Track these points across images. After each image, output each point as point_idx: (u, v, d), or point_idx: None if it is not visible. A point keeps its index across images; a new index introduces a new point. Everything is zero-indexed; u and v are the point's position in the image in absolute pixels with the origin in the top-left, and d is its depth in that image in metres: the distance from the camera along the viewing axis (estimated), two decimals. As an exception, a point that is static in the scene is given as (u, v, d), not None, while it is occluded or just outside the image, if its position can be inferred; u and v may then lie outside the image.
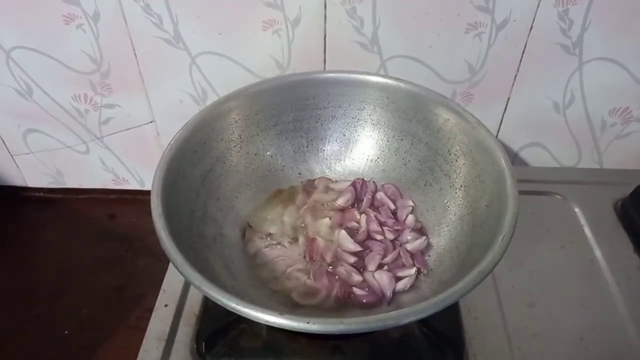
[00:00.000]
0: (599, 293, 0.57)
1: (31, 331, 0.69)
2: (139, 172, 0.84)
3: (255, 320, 0.37)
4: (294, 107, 0.60)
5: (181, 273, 0.40)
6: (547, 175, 0.72)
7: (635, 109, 0.71)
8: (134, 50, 0.68)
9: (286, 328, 0.37)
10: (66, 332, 0.68)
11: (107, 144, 0.80)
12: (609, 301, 0.56)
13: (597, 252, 0.60)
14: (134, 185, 0.86)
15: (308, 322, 0.37)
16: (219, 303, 0.38)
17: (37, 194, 0.87)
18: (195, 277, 0.39)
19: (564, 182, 0.70)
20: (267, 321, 0.37)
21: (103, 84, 0.72)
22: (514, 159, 0.78)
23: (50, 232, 0.82)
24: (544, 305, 0.55)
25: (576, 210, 0.66)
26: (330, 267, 0.52)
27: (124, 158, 0.82)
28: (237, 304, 0.38)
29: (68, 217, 0.84)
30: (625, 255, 0.60)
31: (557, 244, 0.61)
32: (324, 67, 0.69)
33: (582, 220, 0.64)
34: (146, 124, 0.77)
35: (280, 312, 0.37)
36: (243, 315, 0.37)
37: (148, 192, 0.85)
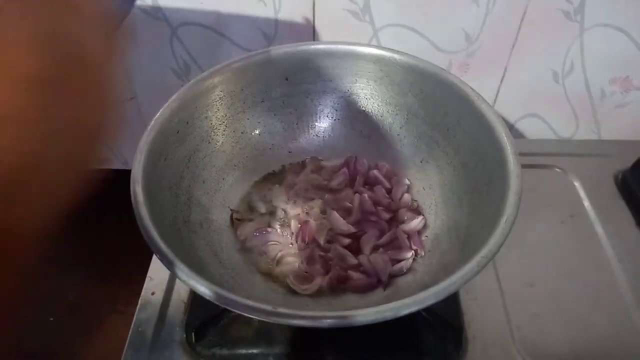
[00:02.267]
0: (599, 269, 0.55)
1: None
2: (122, 151, 0.81)
3: (246, 315, 0.35)
4: (282, 82, 0.56)
5: (166, 266, 0.38)
6: (545, 147, 0.70)
7: (635, 77, 0.69)
8: (110, 22, 0.64)
9: (281, 323, 0.35)
10: (51, 318, 0.66)
11: (87, 122, 0.76)
12: (610, 278, 0.55)
13: (598, 227, 0.59)
14: (117, 165, 0.83)
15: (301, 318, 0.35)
16: (207, 297, 0.36)
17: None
18: (181, 268, 0.37)
19: (563, 155, 0.67)
20: (261, 317, 0.35)
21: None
22: (511, 130, 0.75)
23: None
24: (543, 283, 0.54)
25: (576, 183, 0.64)
26: (322, 252, 0.50)
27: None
28: (230, 305, 0.35)
29: (48, 199, 0.81)
30: (626, 229, 0.59)
31: (557, 219, 0.60)
32: (313, 38, 0.66)
33: (582, 194, 0.62)
34: (127, 100, 0.73)
35: (273, 306, 0.35)
36: (235, 311, 0.35)
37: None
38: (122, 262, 0.72)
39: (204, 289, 0.36)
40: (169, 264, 0.37)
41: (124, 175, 0.81)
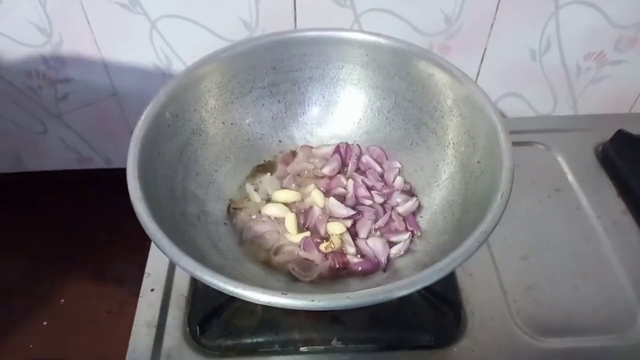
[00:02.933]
0: (587, 240, 0.57)
1: (7, 324, 0.65)
2: (104, 150, 0.80)
3: (257, 302, 0.35)
4: (269, 71, 0.56)
5: (171, 259, 0.37)
6: (526, 125, 0.71)
7: (609, 52, 0.71)
8: (87, 17, 0.62)
9: (291, 308, 0.35)
10: (45, 322, 0.65)
11: (67, 121, 0.75)
12: (597, 247, 0.57)
13: (583, 199, 0.61)
14: (99, 164, 0.81)
15: (313, 300, 0.35)
16: (216, 287, 0.36)
17: (-5, 180, 0.81)
18: (187, 262, 0.37)
19: (544, 131, 0.69)
20: (269, 302, 0.35)
21: (55, 57, 0.66)
22: (492, 110, 0.77)
23: (15, 221, 0.77)
24: (536, 256, 0.55)
25: (559, 158, 0.66)
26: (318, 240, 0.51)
27: (86, 135, 0.77)
28: (236, 287, 0.35)
29: (31, 203, 0.79)
30: (609, 200, 0.61)
31: (544, 194, 0.61)
32: (295, 26, 0.65)
33: (566, 168, 0.64)
34: (107, 97, 0.72)
35: (282, 291, 0.35)
36: (244, 298, 0.35)
37: (115, 170, 0.82)
38: (114, 262, 0.71)
39: (210, 279, 0.36)
40: (176, 258, 0.37)
41: (106, 174, 0.80)
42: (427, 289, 0.50)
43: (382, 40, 0.54)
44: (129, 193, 0.41)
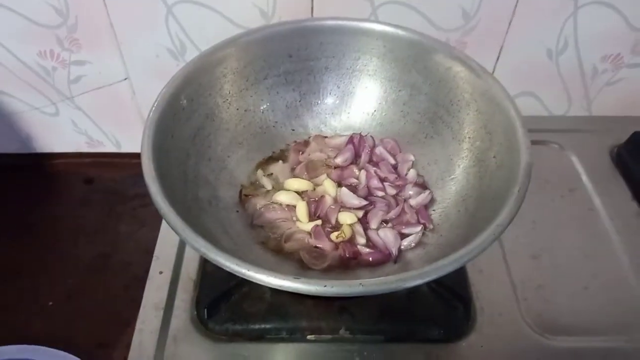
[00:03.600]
0: (599, 242, 0.57)
1: (15, 304, 0.65)
2: (115, 134, 0.79)
3: (269, 286, 0.35)
4: (285, 59, 0.56)
5: (184, 239, 0.37)
6: (541, 124, 0.71)
7: (626, 54, 0.70)
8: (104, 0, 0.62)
9: (303, 292, 0.35)
10: (50, 303, 0.65)
11: (79, 104, 0.74)
12: (609, 249, 0.56)
13: (596, 201, 0.60)
14: (109, 148, 0.81)
15: (325, 286, 0.35)
16: (228, 269, 0.36)
17: (5, 161, 0.81)
18: (200, 243, 0.37)
19: (559, 131, 0.69)
20: (281, 286, 0.35)
21: (71, 39, 0.66)
22: (506, 109, 0.76)
23: (23, 202, 0.77)
24: (547, 255, 0.55)
25: (573, 158, 0.65)
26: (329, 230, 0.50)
27: (97, 119, 0.77)
28: (249, 270, 0.35)
29: (41, 184, 0.79)
30: (623, 202, 0.60)
31: (557, 194, 0.61)
32: (311, 15, 0.65)
33: (580, 169, 0.64)
34: (120, 81, 0.72)
35: (295, 275, 0.35)
36: (255, 281, 0.35)
37: (125, 155, 0.82)
38: (118, 246, 0.71)
39: (223, 260, 0.36)
40: (189, 239, 0.37)
41: (117, 158, 0.80)
42: (438, 282, 0.50)
43: (400, 32, 0.54)
44: (143, 173, 0.41)
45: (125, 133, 0.79)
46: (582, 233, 0.57)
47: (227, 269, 0.36)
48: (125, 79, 0.72)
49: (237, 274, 0.36)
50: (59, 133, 0.78)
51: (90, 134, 0.79)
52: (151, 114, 0.45)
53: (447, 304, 0.50)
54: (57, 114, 0.75)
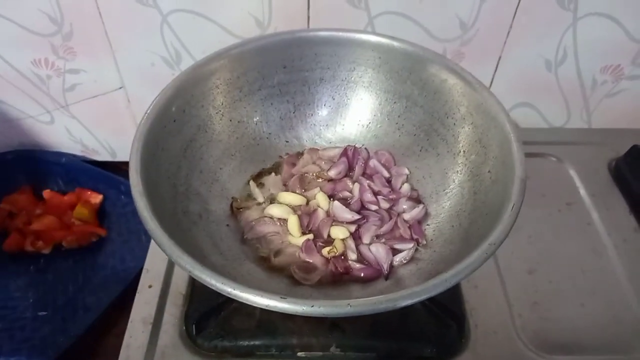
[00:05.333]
0: (597, 257, 0.56)
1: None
2: (110, 142, 0.79)
3: (255, 305, 0.34)
4: (279, 70, 0.55)
5: (170, 257, 0.37)
6: (539, 136, 0.70)
7: (626, 66, 0.69)
8: (98, 8, 0.62)
9: (290, 312, 0.34)
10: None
11: (74, 112, 0.74)
12: (607, 265, 0.55)
13: (594, 215, 0.59)
14: (104, 157, 0.81)
15: (313, 306, 0.34)
16: (214, 288, 0.35)
17: None
18: (186, 260, 0.36)
19: (557, 144, 0.68)
20: (268, 306, 0.34)
21: (65, 47, 0.66)
22: (504, 120, 0.76)
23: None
24: (543, 271, 0.54)
25: (571, 171, 0.64)
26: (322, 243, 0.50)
27: (92, 127, 0.76)
28: (234, 289, 0.34)
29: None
30: (621, 217, 0.60)
31: (554, 208, 0.60)
32: (308, 26, 0.64)
33: (578, 182, 0.63)
34: (115, 90, 0.71)
35: (282, 295, 0.34)
36: (241, 300, 0.34)
37: (120, 164, 0.81)
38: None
39: (208, 279, 0.35)
40: (175, 256, 0.36)
41: (111, 167, 0.80)
42: (431, 299, 0.49)
43: (395, 44, 0.53)
44: (131, 187, 0.41)
45: (121, 142, 0.79)
46: (580, 248, 0.56)
47: (213, 287, 0.35)
48: (121, 87, 0.71)
49: (223, 293, 0.35)
50: (54, 141, 0.78)
51: (85, 142, 0.78)
52: (141, 126, 0.45)
53: (440, 321, 0.49)
54: (52, 122, 0.75)
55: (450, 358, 0.48)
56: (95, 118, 0.75)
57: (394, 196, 0.53)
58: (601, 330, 0.50)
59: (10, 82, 0.69)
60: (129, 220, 0.74)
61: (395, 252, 0.49)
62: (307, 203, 0.53)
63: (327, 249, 0.48)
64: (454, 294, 0.51)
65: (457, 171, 0.51)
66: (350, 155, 0.56)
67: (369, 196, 0.53)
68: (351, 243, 0.49)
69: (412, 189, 0.54)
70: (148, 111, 0.46)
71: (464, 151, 0.51)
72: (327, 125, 0.58)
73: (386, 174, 0.55)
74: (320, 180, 0.55)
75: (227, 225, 0.50)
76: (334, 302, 0.35)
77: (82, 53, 0.67)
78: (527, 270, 0.54)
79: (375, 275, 0.48)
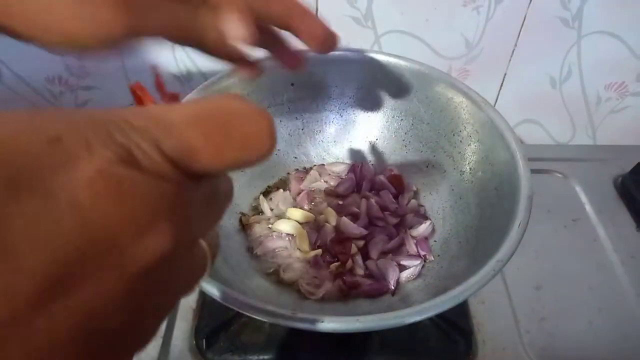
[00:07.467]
0: (604, 273, 0.56)
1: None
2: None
3: (264, 320, 0.35)
4: (288, 87, 0.56)
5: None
6: (545, 152, 0.71)
7: (631, 83, 0.70)
8: (112, 27, 0.63)
9: (298, 328, 0.34)
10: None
11: (85, 128, 0.75)
12: (614, 281, 0.55)
13: (600, 231, 0.60)
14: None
15: (323, 322, 0.34)
16: (223, 302, 0.36)
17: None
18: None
19: (562, 160, 0.68)
20: (276, 322, 0.35)
21: (78, 64, 0.67)
22: (510, 136, 0.76)
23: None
24: (550, 287, 0.54)
25: (576, 188, 0.65)
26: (330, 258, 0.50)
27: (103, 143, 0.78)
28: (240, 308, 0.35)
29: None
30: (628, 233, 0.60)
31: (560, 224, 0.60)
32: (316, 44, 0.65)
33: (584, 199, 0.63)
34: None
35: (291, 310, 0.35)
36: (250, 315, 0.35)
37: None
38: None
39: (217, 292, 0.36)
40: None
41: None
42: (439, 315, 0.50)
43: (402, 63, 0.54)
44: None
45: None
46: (586, 264, 0.57)
47: (222, 302, 0.36)
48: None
49: (232, 307, 0.35)
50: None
51: (96, 157, 0.79)
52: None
53: (447, 337, 0.49)
54: (63, 138, 0.76)
55: (458, 374, 0.48)
56: (107, 134, 0.76)
57: (402, 212, 0.54)
58: (609, 346, 0.50)
59: (24, 98, 0.70)
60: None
61: (402, 268, 0.50)
62: (315, 219, 0.54)
63: (336, 264, 0.49)
64: (461, 309, 0.51)
65: (464, 188, 0.52)
66: (357, 171, 0.57)
67: (376, 212, 0.54)
68: (359, 259, 0.50)
69: (419, 204, 0.55)
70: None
71: (470, 168, 0.51)
72: (334, 141, 0.59)
73: (393, 190, 0.56)
74: (328, 196, 0.56)
75: (237, 240, 0.51)
76: (342, 318, 0.35)
77: (95, 69, 0.68)
78: (534, 286, 0.54)
79: (383, 291, 0.48)
